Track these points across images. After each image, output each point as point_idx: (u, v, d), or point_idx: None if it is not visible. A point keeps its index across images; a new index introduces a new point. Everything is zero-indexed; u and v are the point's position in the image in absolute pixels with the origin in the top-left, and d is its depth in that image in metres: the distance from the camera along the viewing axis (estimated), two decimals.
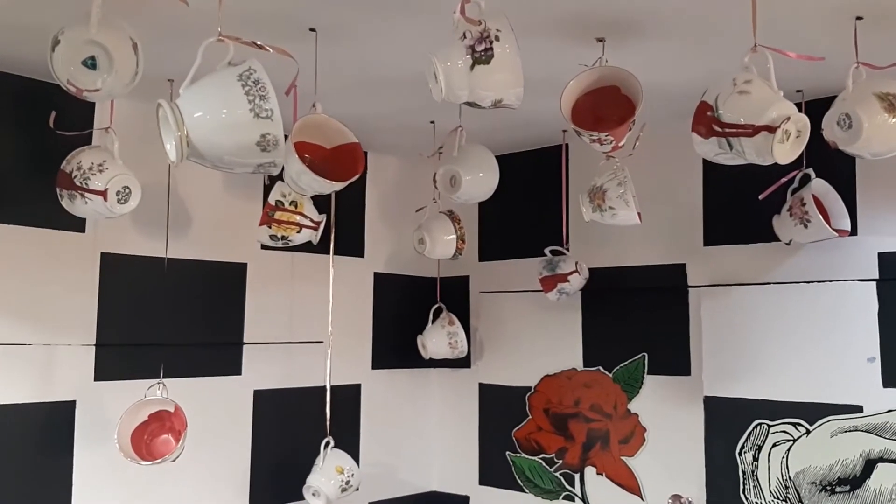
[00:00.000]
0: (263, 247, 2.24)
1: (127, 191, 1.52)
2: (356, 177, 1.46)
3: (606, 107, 1.57)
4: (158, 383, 1.80)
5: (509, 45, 1.16)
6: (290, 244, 1.84)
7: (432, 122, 2.17)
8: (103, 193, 1.49)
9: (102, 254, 1.94)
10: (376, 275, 2.56)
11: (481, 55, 1.15)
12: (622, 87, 1.54)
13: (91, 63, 1.20)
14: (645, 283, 2.23)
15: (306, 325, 2.34)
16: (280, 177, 1.57)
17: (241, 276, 2.22)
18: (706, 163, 2.13)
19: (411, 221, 2.31)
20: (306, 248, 2.23)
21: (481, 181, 1.83)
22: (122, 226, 1.96)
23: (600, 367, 2.31)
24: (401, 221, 2.56)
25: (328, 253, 2.30)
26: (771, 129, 1.19)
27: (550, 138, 2.38)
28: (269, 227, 1.77)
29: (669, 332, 2.18)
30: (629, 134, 1.56)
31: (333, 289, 2.25)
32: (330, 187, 1.46)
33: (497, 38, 1.15)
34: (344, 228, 2.43)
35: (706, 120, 1.25)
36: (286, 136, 1.44)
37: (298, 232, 1.80)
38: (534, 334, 2.46)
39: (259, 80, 0.96)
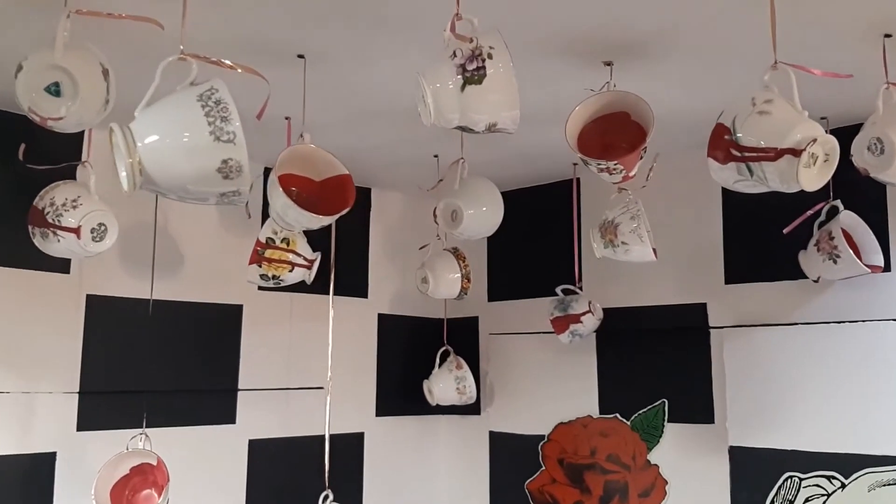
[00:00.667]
0: (260, 287, 2.15)
1: (102, 228, 1.43)
2: (346, 210, 1.37)
3: (615, 134, 1.48)
4: (141, 434, 1.69)
5: (503, 64, 1.06)
6: (282, 284, 1.73)
7: (436, 155, 2.08)
8: (76, 231, 1.40)
9: (88, 296, 1.86)
10: (380, 316, 2.47)
11: (473, 74, 1.06)
12: (632, 112, 1.45)
13: (55, 90, 1.12)
14: (663, 324, 2.12)
15: (305, 370, 2.24)
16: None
17: (237, 319, 2.13)
18: (726, 194, 2.03)
19: (417, 260, 2.21)
20: (305, 288, 2.15)
21: (484, 216, 1.73)
22: (110, 266, 1.88)
23: (617, 415, 2.19)
24: (406, 260, 2.46)
25: (328, 293, 2.21)
26: (795, 153, 1.08)
27: (561, 172, 2.29)
28: (260, 266, 1.67)
29: (690, 376, 2.06)
30: (640, 163, 1.46)
31: (335, 331, 2.18)
32: (318, 222, 1.36)
33: (490, 56, 1.05)
34: (346, 268, 2.36)
35: (723, 144, 1.14)
36: (270, 169, 1.36)
37: (291, 271, 1.70)
38: (547, 379, 2.35)
39: (221, 100, 0.87)
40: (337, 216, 1.37)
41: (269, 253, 1.67)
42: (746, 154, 1.11)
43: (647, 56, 1.45)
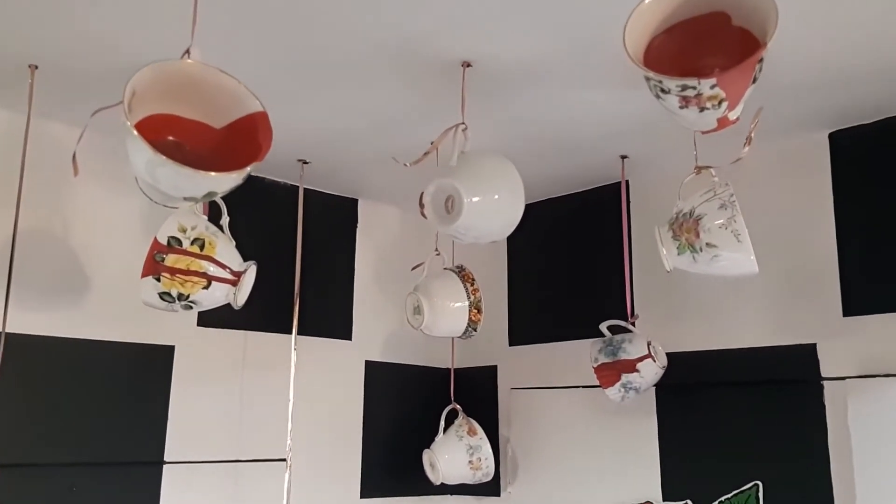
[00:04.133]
0: (201, 322, 1.64)
1: None
2: (254, 163, 0.83)
3: (704, 54, 0.94)
4: None
5: None
6: (196, 307, 1.18)
7: (432, 142, 1.54)
8: None
9: None
10: (368, 364, 1.99)
11: None
12: (734, 13, 0.90)
13: None
14: (754, 375, 1.62)
15: (262, 436, 1.74)
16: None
17: (165, 365, 1.63)
18: (839, 188, 1.54)
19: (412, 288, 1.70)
20: (266, 325, 1.75)
21: (495, 206, 1.17)
22: None
23: (689, 502, 1.68)
24: (403, 292, 1.95)
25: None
26: None
27: (605, 171, 1.82)
28: (158, 280, 1.12)
29: (796, 448, 1.55)
30: (748, 96, 0.90)
31: (307, 383, 1.80)
32: (210, 185, 0.84)
33: None
34: (322, 300, 1.90)
35: None
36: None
37: (206, 287, 1.14)
38: (589, 450, 1.85)
39: None
40: (242, 173, 0.83)
41: (171, 260, 1.12)
42: None
43: None
